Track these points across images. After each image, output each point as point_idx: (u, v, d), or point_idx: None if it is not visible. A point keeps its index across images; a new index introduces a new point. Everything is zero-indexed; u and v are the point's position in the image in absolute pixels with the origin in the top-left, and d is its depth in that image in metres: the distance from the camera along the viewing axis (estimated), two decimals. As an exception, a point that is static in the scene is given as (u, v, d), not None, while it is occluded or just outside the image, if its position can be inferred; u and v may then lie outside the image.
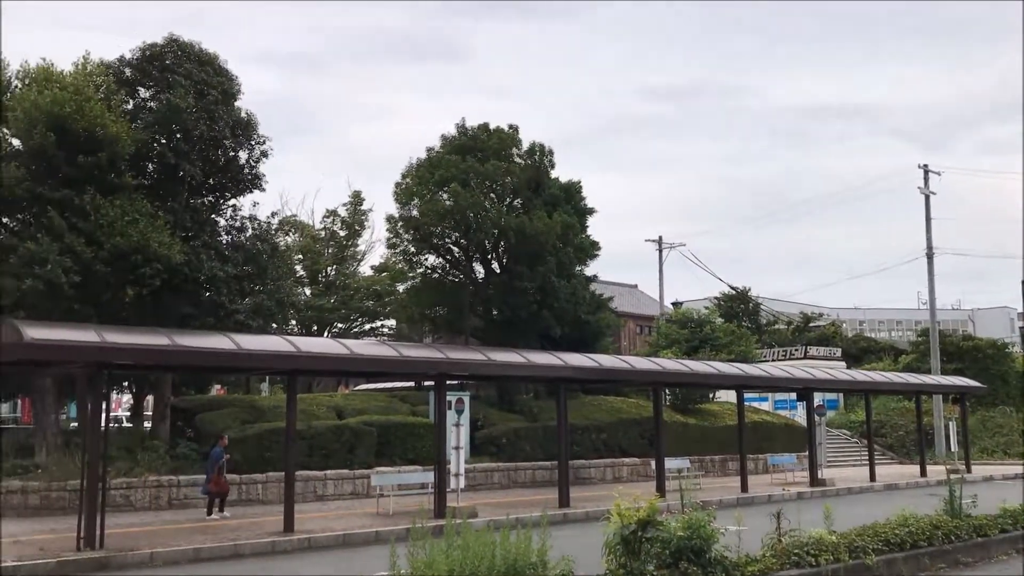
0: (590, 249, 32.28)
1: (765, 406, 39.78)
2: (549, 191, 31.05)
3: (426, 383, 26.03)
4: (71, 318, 18.66)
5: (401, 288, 36.35)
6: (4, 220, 20.63)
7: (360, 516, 17.88)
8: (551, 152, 31.43)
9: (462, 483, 18.68)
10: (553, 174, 31.84)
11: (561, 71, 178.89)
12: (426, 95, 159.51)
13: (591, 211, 32.91)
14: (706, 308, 47.01)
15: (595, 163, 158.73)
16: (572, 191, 32.20)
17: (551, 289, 29.26)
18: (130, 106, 22.02)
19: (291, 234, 40.84)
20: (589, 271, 33.18)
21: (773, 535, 9.57)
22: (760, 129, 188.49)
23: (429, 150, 31.08)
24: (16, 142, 20.12)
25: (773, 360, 42.98)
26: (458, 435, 18.69)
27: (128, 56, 22.35)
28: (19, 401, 44.27)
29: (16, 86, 20.25)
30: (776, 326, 59.15)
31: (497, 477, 24.56)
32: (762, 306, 59.23)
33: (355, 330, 41.49)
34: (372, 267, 43.34)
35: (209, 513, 17.55)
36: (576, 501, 19.94)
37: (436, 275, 32.19)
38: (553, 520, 16.36)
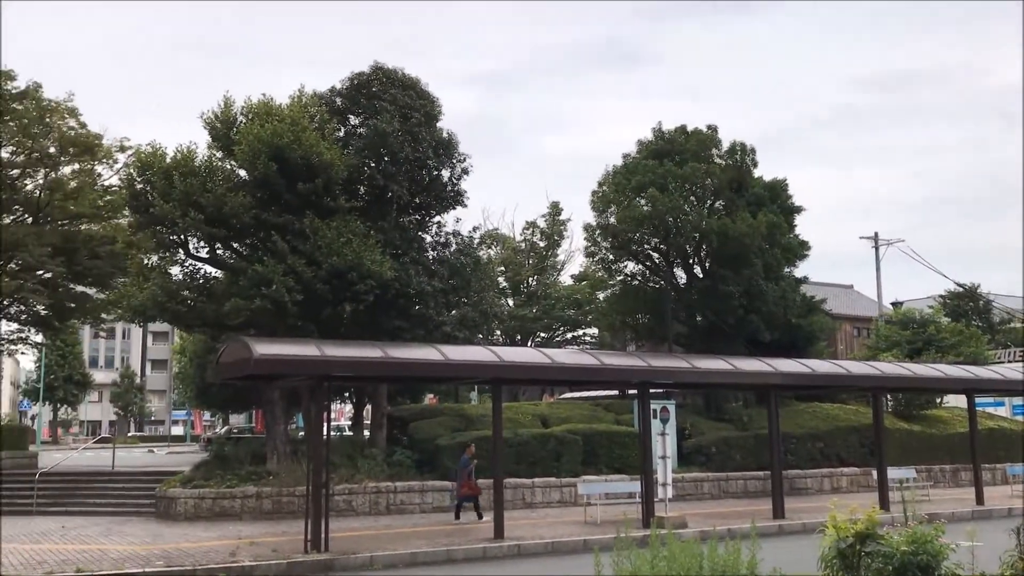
0: (798, 249, 30.98)
1: (1002, 411, 36.58)
2: (752, 191, 30.09)
3: (629, 392, 25.85)
4: (295, 334, 20.01)
5: (601, 296, 36.36)
6: (234, 245, 22.40)
7: (567, 524, 17.97)
8: (753, 151, 30.44)
9: (670, 493, 18.38)
10: (756, 173, 30.81)
11: (755, 69, 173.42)
12: (618, 102, 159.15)
13: (798, 209, 31.59)
14: (930, 307, 43.88)
15: (800, 159, 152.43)
16: (777, 189, 31.05)
17: (758, 292, 28.31)
18: (341, 133, 23.35)
19: (493, 247, 41.89)
20: (799, 272, 31.88)
21: (1013, 552, 8.73)
22: (986, 112, 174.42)
23: (625, 156, 30.96)
24: (243, 173, 21.82)
25: (1009, 361, 39.47)
26: (664, 444, 18.42)
27: (338, 86, 23.77)
28: (253, 412, 48.01)
29: (241, 121, 21.97)
30: (1012, 324, 54.33)
31: (707, 487, 23.99)
32: (994, 303, 54.58)
33: (557, 339, 41.92)
34: (572, 276, 43.69)
35: (457, 517, 18.31)
36: (792, 512, 19.13)
37: (636, 282, 31.94)
38: (767, 532, 15.79)
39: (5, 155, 25.77)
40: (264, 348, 14.19)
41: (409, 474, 21.11)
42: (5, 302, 26.44)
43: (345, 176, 21.59)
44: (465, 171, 24.15)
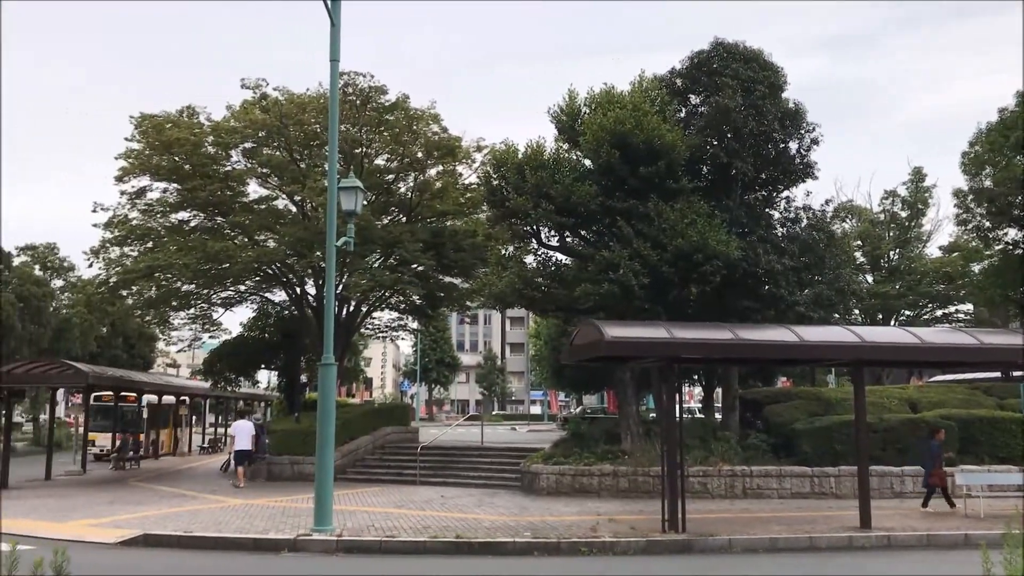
0: None
1: None
2: None
3: (1015, 373, 23.07)
4: (642, 316, 20.27)
5: (976, 268, 32.79)
6: (582, 232, 23.16)
7: (943, 516, 16.47)
8: None
9: (1070, 488, 16.17)
10: None
11: None
12: (975, 57, 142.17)
13: None
14: None
15: None
16: None
17: None
18: (682, 114, 23.22)
19: (848, 220, 39.48)
20: None
21: None
22: None
23: (1001, 111, 27.54)
24: (587, 162, 22.48)
25: None
26: (1061, 432, 16.22)
27: (678, 67, 23.65)
28: (604, 393, 49.45)
29: (585, 112, 22.63)
30: None
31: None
32: None
33: (924, 317, 38.58)
34: (940, 247, 39.91)
35: (924, 505, 17.65)
36: None
37: (1019, 251, 28.38)
38: None
39: (380, 162, 28.76)
40: (615, 331, 14.51)
41: (765, 458, 20.55)
42: (387, 294, 29.58)
43: (687, 157, 21.44)
44: (815, 141, 22.97)
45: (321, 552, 13.37)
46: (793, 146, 22.96)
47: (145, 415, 35.44)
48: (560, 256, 24.19)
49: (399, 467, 25.00)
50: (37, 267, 45.85)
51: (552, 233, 23.30)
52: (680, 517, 14.26)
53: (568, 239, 23.52)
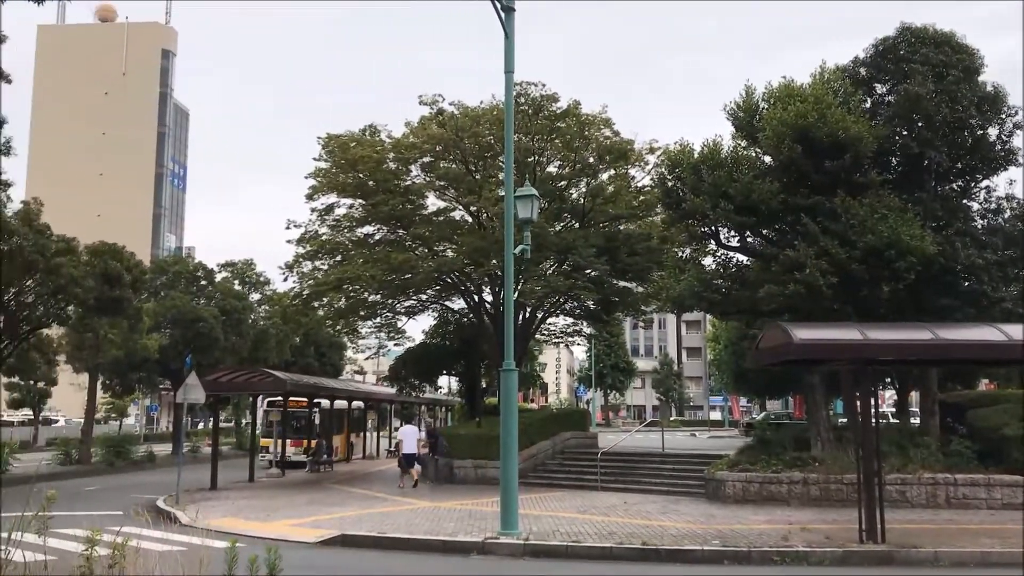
0: None
1: None
2: None
3: None
4: (830, 317, 19.42)
5: None
6: (763, 232, 22.47)
7: None
8: None
9: None
10: None
11: None
12: None
13: None
14: None
15: None
16: None
17: None
18: (868, 104, 22.11)
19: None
20: None
21: None
22: None
23: None
24: (767, 159, 21.80)
25: None
26: None
27: (861, 56, 22.57)
28: (789, 398, 47.77)
29: (763, 107, 21.96)
30: None
31: None
32: None
33: None
34: None
35: None
36: None
37: None
38: None
39: (552, 169, 29.02)
40: (804, 333, 13.98)
41: (970, 466, 19.18)
42: (561, 299, 29.77)
43: (874, 148, 20.38)
44: (1017, 126, 21.31)
45: (508, 555, 13.58)
46: (992, 132, 21.41)
47: (317, 420, 34.76)
48: (740, 257, 23.58)
49: (579, 472, 25.06)
50: (236, 282, 49.17)
51: (732, 233, 22.71)
52: (879, 527, 13.53)
53: (748, 239, 22.87)
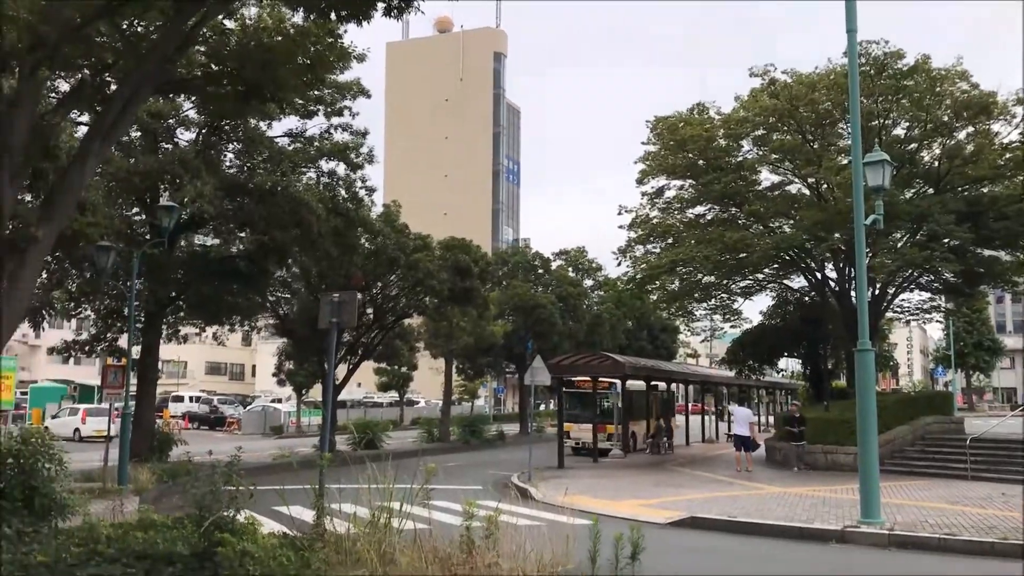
0: None
1: None
2: None
3: None
4: None
5: None
6: None
7: None
8: None
9: None
10: None
11: None
12: None
13: None
14: None
15: None
16: None
17: None
18: None
19: None
20: None
21: None
22: None
23: None
24: None
25: None
26: None
27: None
28: None
29: None
30: None
31: None
32: None
33: None
34: None
35: None
36: None
37: None
38: None
39: (899, 132, 26.76)
40: None
41: None
42: (914, 273, 27.37)
43: None
44: None
45: (870, 545, 12.73)
46: None
47: (619, 404, 31.82)
48: None
49: (943, 460, 22.91)
50: (571, 269, 50.82)
51: None
52: None
53: None
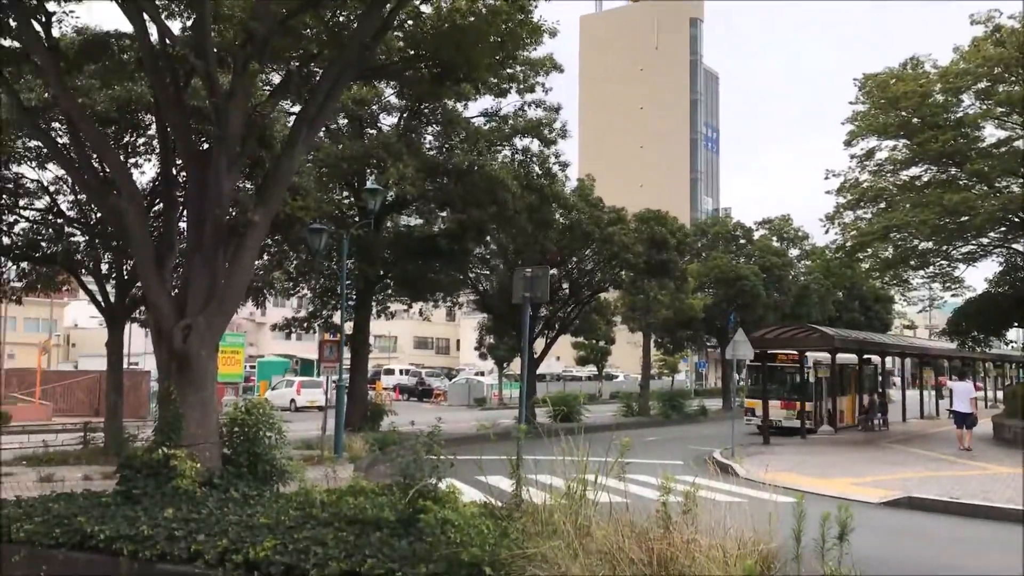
0: None
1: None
2: None
3: None
4: None
5: None
6: None
7: None
8: None
9: None
10: None
11: None
12: None
13: None
14: None
15: None
16: None
17: None
18: None
19: None
20: None
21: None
22: None
23: None
24: None
25: None
26: None
27: None
28: None
29: None
30: None
31: None
32: None
33: None
34: None
35: None
36: None
37: None
38: None
39: None
40: None
41: None
42: None
43: None
44: None
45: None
46: None
47: (812, 379, 29.46)
48: None
49: None
50: (775, 239, 49.02)
51: None
52: None
53: None
